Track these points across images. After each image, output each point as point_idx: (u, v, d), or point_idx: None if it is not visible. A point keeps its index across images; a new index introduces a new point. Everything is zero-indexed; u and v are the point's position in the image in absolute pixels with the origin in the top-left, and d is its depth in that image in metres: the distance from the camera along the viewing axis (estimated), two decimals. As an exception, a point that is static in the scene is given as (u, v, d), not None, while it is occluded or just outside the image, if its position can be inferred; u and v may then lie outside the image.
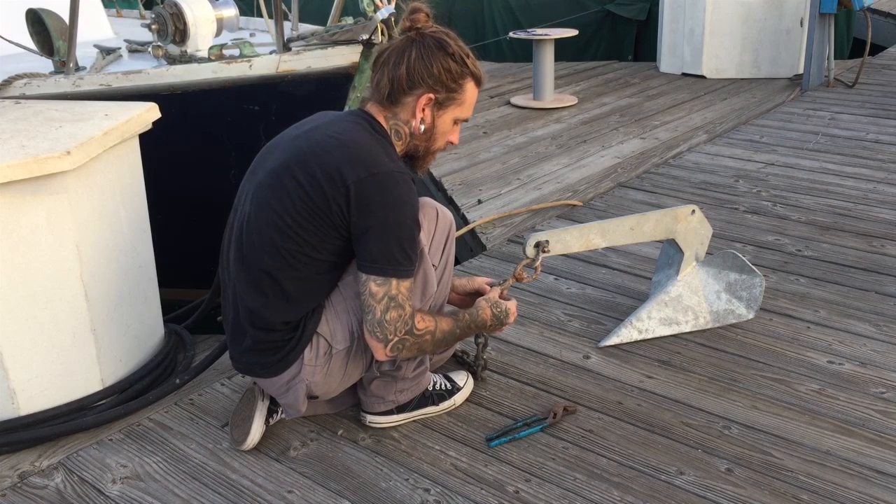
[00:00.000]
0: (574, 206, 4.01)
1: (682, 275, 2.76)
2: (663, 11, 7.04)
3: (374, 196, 1.91)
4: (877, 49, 7.43)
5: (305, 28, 4.22)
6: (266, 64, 3.36)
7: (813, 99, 5.90)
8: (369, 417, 2.27)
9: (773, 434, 2.21)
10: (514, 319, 2.29)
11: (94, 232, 2.39)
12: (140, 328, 2.63)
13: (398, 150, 2.09)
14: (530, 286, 3.10)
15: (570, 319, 2.88)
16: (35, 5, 3.81)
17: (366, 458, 2.17)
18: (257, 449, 2.20)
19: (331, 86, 3.38)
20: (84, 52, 3.90)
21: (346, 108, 3.39)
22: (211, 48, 3.49)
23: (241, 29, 4.52)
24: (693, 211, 2.70)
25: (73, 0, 3.38)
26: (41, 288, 2.29)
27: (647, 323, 2.71)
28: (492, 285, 2.38)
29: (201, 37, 3.74)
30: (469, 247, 3.84)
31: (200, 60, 3.50)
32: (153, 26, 3.74)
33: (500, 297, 2.29)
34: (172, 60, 3.60)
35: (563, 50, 7.49)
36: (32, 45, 3.84)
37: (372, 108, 2.08)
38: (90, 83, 3.46)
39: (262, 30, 4.97)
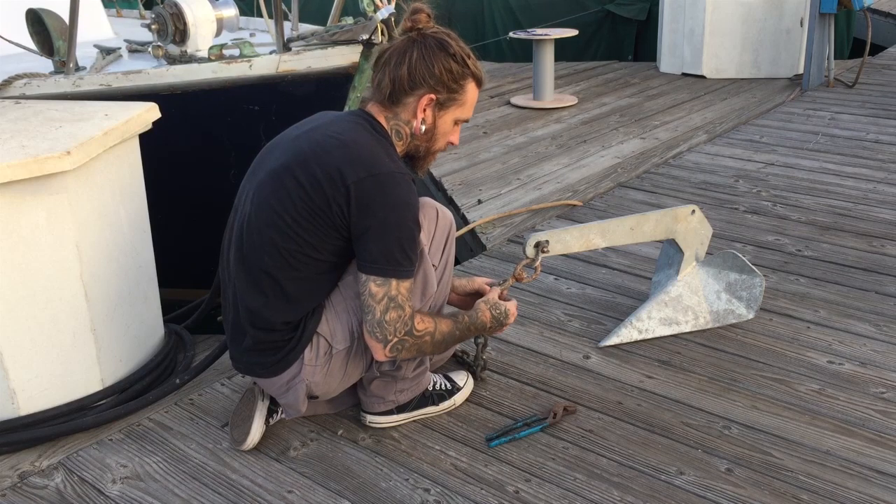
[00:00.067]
0: (574, 206, 4.01)
1: (682, 275, 2.76)
2: (663, 11, 7.04)
3: (374, 196, 1.91)
4: (877, 49, 7.43)
5: (305, 28, 4.22)
6: (266, 64, 3.36)
7: (813, 99, 5.90)
8: (369, 417, 2.27)
9: (773, 434, 2.21)
10: (513, 320, 2.29)
11: (94, 232, 2.39)
12: (140, 328, 2.63)
13: (399, 150, 2.09)
14: (530, 286, 3.10)
15: (570, 319, 2.88)
16: (35, 5, 3.81)
17: (366, 458, 2.17)
18: (257, 449, 2.20)
19: (331, 86, 3.38)
20: (84, 52, 3.90)
21: (346, 108, 3.39)
22: (211, 48, 3.49)
23: (241, 29, 4.52)
24: (693, 211, 2.70)
25: (73, 0, 3.38)
26: (41, 288, 2.29)
27: (647, 323, 2.71)
28: (492, 285, 2.38)
29: (201, 37, 3.74)
30: (469, 247, 3.84)
31: (200, 60, 3.50)
32: (153, 26, 3.74)
33: (500, 297, 2.29)
34: (172, 60, 3.60)
35: (563, 50, 7.49)
36: (32, 45, 3.84)
37: (373, 109, 2.08)
38: (90, 83, 3.46)
39: (262, 30, 4.97)
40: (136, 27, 5.15)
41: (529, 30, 6.54)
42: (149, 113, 2.63)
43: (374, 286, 1.95)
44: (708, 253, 2.81)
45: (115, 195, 2.49)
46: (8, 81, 3.47)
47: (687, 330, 2.74)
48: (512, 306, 2.27)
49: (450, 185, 4.47)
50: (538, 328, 2.82)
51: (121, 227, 2.51)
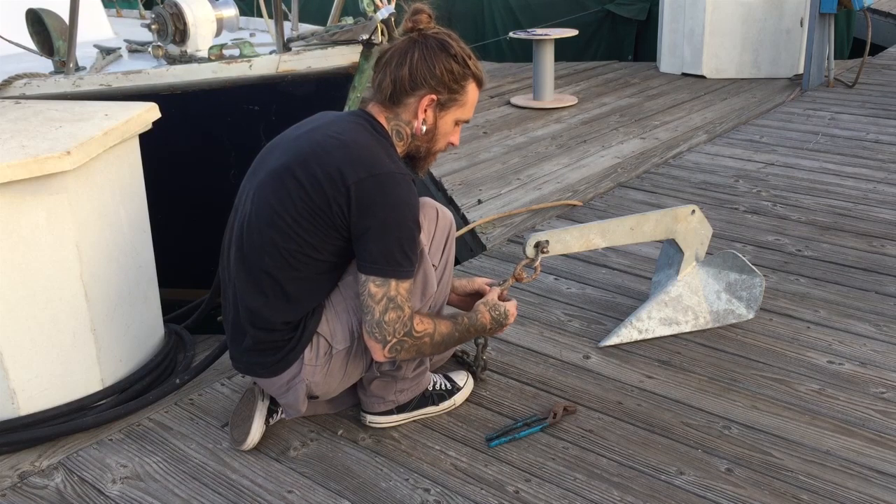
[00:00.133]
0: (574, 206, 4.01)
1: (682, 275, 2.76)
2: (663, 11, 7.04)
3: (374, 196, 1.91)
4: (877, 49, 7.43)
5: (305, 28, 4.22)
6: (266, 64, 3.36)
7: (813, 99, 5.90)
8: (369, 417, 2.27)
9: (773, 434, 2.21)
10: (513, 321, 2.28)
11: (94, 232, 2.39)
12: (140, 328, 2.63)
13: (399, 150, 2.09)
14: (530, 286, 3.10)
15: (570, 319, 2.88)
16: (35, 5, 3.81)
17: (366, 458, 2.17)
18: (257, 449, 2.20)
19: (331, 86, 3.38)
20: (84, 52, 3.90)
21: (346, 108, 3.39)
22: (211, 48, 3.49)
23: (241, 29, 4.52)
24: (693, 211, 2.70)
25: (73, 0, 3.38)
26: (41, 288, 2.29)
27: (647, 323, 2.71)
28: (492, 286, 2.37)
29: (201, 37, 3.74)
30: (469, 247, 3.84)
31: (200, 60, 3.50)
32: (153, 26, 3.74)
33: (500, 297, 2.28)
34: (172, 60, 3.60)
35: (563, 50, 7.49)
36: (32, 45, 3.84)
37: (373, 109, 2.08)
38: (90, 83, 3.46)
39: (262, 30, 4.97)
40: (136, 27, 5.14)
41: (529, 30, 6.54)
42: (149, 113, 2.63)
43: (374, 286, 1.95)
44: (708, 253, 2.81)
45: (115, 195, 2.49)
46: (8, 81, 3.47)
47: (687, 330, 2.74)
48: (511, 307, 2.27)
49: (450, 185, 4.47)
50: (538, 328, 2.82)
51: (121, 227, 2.52)
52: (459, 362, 2.56)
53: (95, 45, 4.19)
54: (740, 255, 2.80)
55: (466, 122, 2.15)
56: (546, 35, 6.13)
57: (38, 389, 2.36)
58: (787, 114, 5.55)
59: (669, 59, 7.11)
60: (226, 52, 3.45)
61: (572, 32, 6.32)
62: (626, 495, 2.00)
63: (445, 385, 2.36)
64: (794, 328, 2.76)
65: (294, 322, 2.05)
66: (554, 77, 6.34)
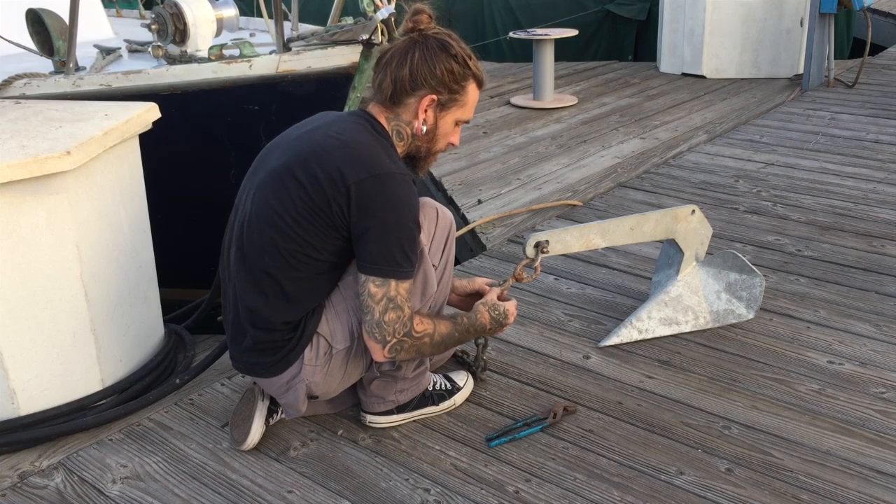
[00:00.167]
0: (574, 206, 4.01)
1: (682, 275, 2.76)
2: (663, 11, 7.04)
3: (374, 197, 1.91)
4: (877, 49, 7.43)
5: (305, 28, 4.22)
6: (266, 64, 3.36)
7: (813, 99, 5.90)
8: (369, 417, 2.27)
9: (773, 434, 2.21)
10: (513, 320, 2.28)
11: (94, 232, 2.39)
12: (140, 328, 2.63)
13: (399, 150, 2.09)
14: (530, 286, 3.10)
15: (570, 319, 2.88)
16: (35, 5, 3.81)
17: (366, 458, 2.17)
18: (257, 449, 2.21)
19: (331, 86, 3.38)
20: (84, 52, 3.90)
21: (346, 108, 3.39)
22: (211, 48, 3.49)
23: (241, 29, 4.52)
24: (693, 211, 2.70)
25: (73, 0, 3.38)
26: (41, 288, 2.29)
27: (647, 323, 2.71)
28: (492, 286, 2.38)
29: (201, 37, 3.74)
30: (469, 247, 3.84)
31: (200, 60, 3.50)
32: (153, 26, 3.74)
33: (500, 297, 2.28)
34: (172, 60, 3.60)
35: (563, 50, 7.49)
36: (32, 45, 3.84)
37: (373, 109, 2.08)
38: (90, 83, 3.46)
39: (262, 30, 4.97)
40: (136, 27, 5.15)
41: (529, 30, 6.54)
42: (149, 113, 2.63)
43: (374, 286, 1.95)
44: (708, 253, 2.81)
45: (115, 195, 2.49)
46: (8, 81, 3.47)
47: (687, 330, 2.74)
48: (511, 306, 2.27)
49: (450, 185, 4.47)
50: (538, 328, 2.82)
51: (121, 227, 2.51)
52: (459, 362, 2.56)
53: (95, 45, 4.19)
54: (740, 255, 2.80)
55: (467, 122, 2.15)
56: (546, 35, 6.13)
57: (38, 389, 2.36)
58: (787, 114, 5.55)
59: (669, 59, 7.11)
60: (226, 52, 3.45)
61: (572, 32, 6.32)
62: (626, 495, 2.00)
63: (445, 385, 2.36)
64: (794, 328, 2.76)
65: (294, 322, 2.05)
66: (554, 77, 6.34)
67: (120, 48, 4.27)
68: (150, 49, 3.86)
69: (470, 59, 2.05)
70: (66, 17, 3.54)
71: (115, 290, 2.49)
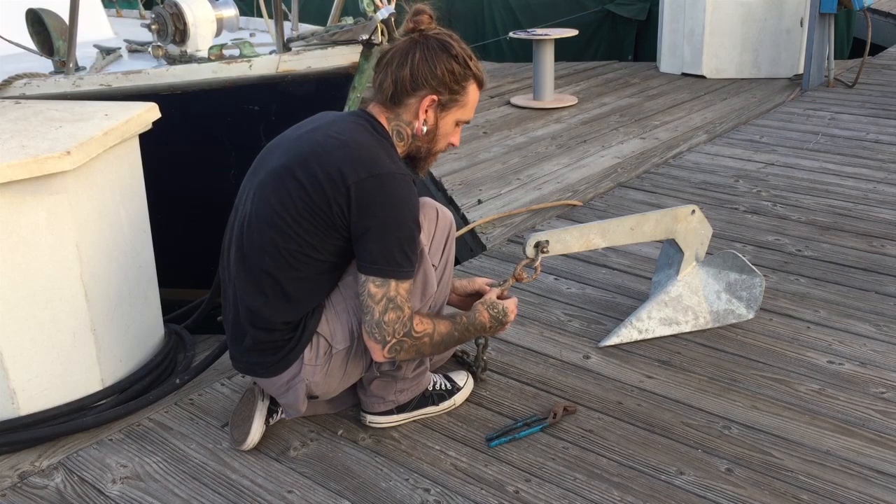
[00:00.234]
0: (574, 206, 4.01)
1: (682, 275, 2.76)
2: (663, 11, 7.04)
3: (374, 197, 1.91)
4: (877, 49, 7.43)
5: (305, 28, 4.22)
6: (266, 64, 3.36)
7: (813, 99, 5.90)
8: (369, 417, 2.27)
9: (773, 434, 2.21)
10: (514, 317, 2.28)
11: (94, 232, 2.39)
12: (140, 328, 2.63)
13: (400, 151, 2.09)
14: (530, 286, 3.10)
15: (570, 319, 2.88)
16: (35, 5, 3.81)
17: (366, 458, 2.17)
18: (257, 449, 2.21)
19: (331, 86, 3.38)
20: (84, 52, 3.90)
21: (347, 109, 3.39)
22: (211, 48, 3.49)
23: (241, 29, 4.52)
24: (693, 211, 2.70)
25: (73, 0, 3.38)
26: (41, 288, 2.29)
27: (647, 323, 2.71)
28: (492, 286, 2.38)
29: (201, 37, 3.74)
30: (469, 247, 3.84)
31: (200, 60, 3.50)
32: (153, 26, 3.74)
33: (500, 297, 2.28)
34: (172, 60, 3.60)
35: (563, 50, 7.49)
36: (32, 45, 3.84)
37: (374, 109, 2.08)
38: (90, 83, 3.46)
39: (262, 30, 4.97)
40: (136, 27, 5.15)
41: (529, 30, 6.54)
42: (149, 113, 2.63)
43: (374, 287, 1.95)
44: (708, 253, 2.81)
45: (115, 195, 2.49)
46: (8, 81, 3.47)
47: (687, 330, 2.74)
48: (511, 304, 2.26)
49: (450, 185, 4.47)
50: (538, 328, 2.82)
51: (121, 227, 2.52)
52: (459, 362, 2.56)
53: (95, 45, 4.19)
54: (740, 255, 2.80)
55: (467, 122, 2.15)
56: (546, 35, 6.13)
57: (38, 389, 2.36)
58: (787, 114, 5.55)
59: (669, 59, 7.11)
60: (226, 52, 3.45)
61: (572, 32, 6.32)
62: (626, 495, 2.00)
63: (445, 385, 2.36)
64: (794, 328, 2.76)
65: (294, 322, 2.05)
66: (554, 77, 6.34)
67: (120, 48, 4.27)
68: (150, 49, 3.86)
69: (470, 59, 2.05)
70: (66, 17, 3.54)
71: (115, 290, 2.49)
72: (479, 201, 4.19)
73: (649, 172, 4.46)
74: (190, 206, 3.55)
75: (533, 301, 3.01)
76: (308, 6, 7.53)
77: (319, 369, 2.09)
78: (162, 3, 3.74)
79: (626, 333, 2.70)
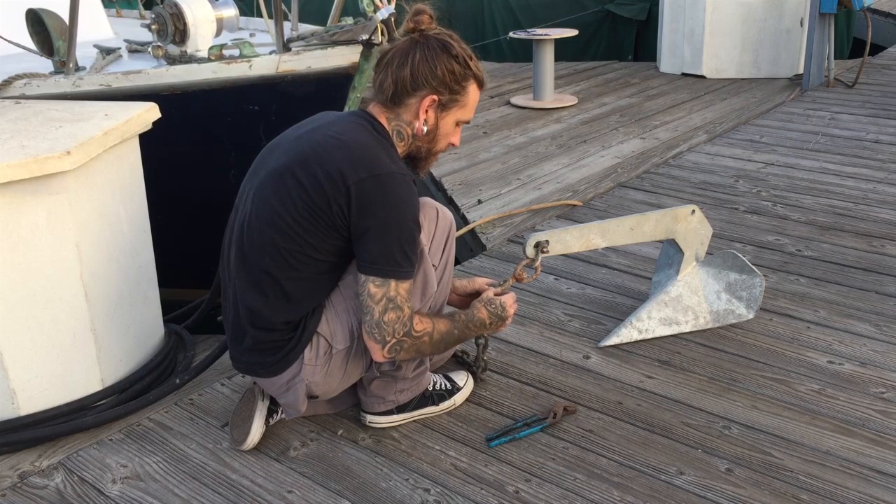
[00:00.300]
0: (574, 206, 4.01)
1: (682, 275, 2.76)
2: (663, 11, 7.04)
3: (374, 197, 1.91)
4: (877, 49, 7.43)
5: (305, 28, 4.22)
6: (266, 64, 3.36)
7: (813, 99, 5.90)
8: (369, 417, 2.27)
9: (773, 434, 2.21)
10: (513, 311, 2.27)
11: (94, 232, 2.39)
12: (140, 328, 2.63)
13: (400, 151, 2.09)
14: (530, 286, 3.10)
15: (570, 319, 2.88)
16: (35, 5, 3.81)
17: (366, 458, 2.17)
18: (257, 449, 2.21)
19: (331, 86, 3.38)
20: (84, 52, 3.90)
21: (346, 109, 3.39)
22: (211, 48, 3.49)
23: (241, 29, 4.52)
24: (693, 211, 2.70)
25: (73, 0, 3.38)
26: (41, 288, 2.29)
27: (647, 323, 2.71)
28: (492, 286, 2.38)
29: (201, 37, 3.74)
30: (469, 247, 3.84)
31: (200, 60, 3.50)
32: (153, 26, 3.74)
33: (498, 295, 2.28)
34: (172, 60, 3.60)
35: (563, 50, 7.49)
36: (32, 45, 3.84)
37: (374, 109, 2.08)
38: (90, 83, 3.46)
39: (262, 30, 4.97)
40: (136, 27, 5.14)
41: (529, 30, 6.54)
42: (149, 113, 2.63)
43: (373, 287, 1.95)
44: (708, 253, 2.81)
45: (115, 195, 2.50)
46: (8, 81, 3.47)
47: (687, 330, 2.74)
48: (508, 299, 2.26)
49: (450, 185, 4.47)
50: (538, 328, 2.82)
51: (121, 227, 2.52)
52: (459, 362, 2.56)
53: (95, 45, 4.19)
54: (740, 255, 2.80)
55: (467, 122, 2.15)
56: (546, 35, 6.13)
57: (38, 389, 2.36)
58: (787, 114, 5.55)
59: (669, 59, 7.11)
60: (226, 52, 3.45)
61: (572, 32, 6.32)
62: (626, 495, 2.00)
63: (445, 385, 2.36)
64: (794, 328, 2.76)
65: (294, 322, 2.05)
66: (554, 77, 6.34)
67: (120, 48, 4.27)
68: (150, 49, 3.86)
69: (471, 59, 2.05)
70: (66, 17, 3.54)
71: (115, 290, 2.49)
72: (479, 201, 4.19)
73: (649, 172, 4.46)
74: (190, 206, 3.55)
75: (533, 301, 3.01)
76: (308, 6, 7.52)
77: (319, 369, 2.09)
78: (162, 3, 3.74)
79: (626, 333, 2.70)
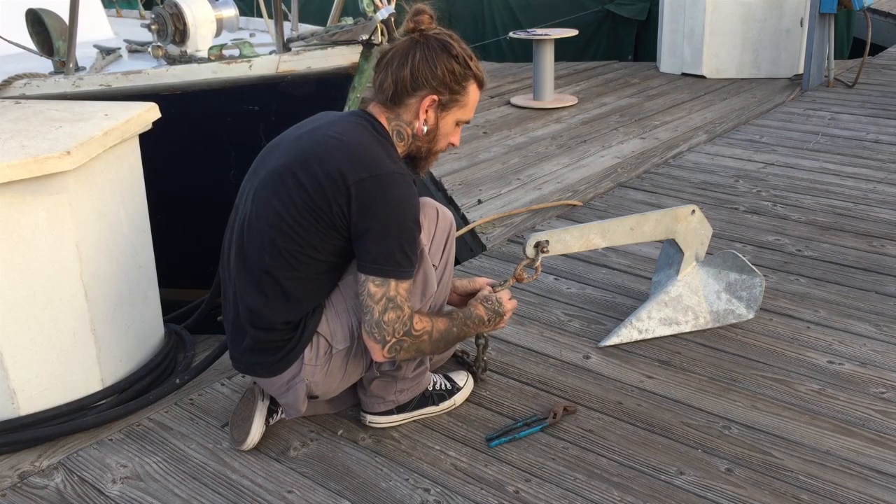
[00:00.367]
0: (574, 206, 4.01)
1: (682, 275, 2.76)
2: (663, 11, 7.04)
3: (374, 197, 1.91)
4: (877, 49, 7.43)
5: (305, 28, 4.22)
6: (266, 64, 3.36)
7: (813, 99, 5.90)
8: (369, 417, 2.27)
9: (773, 434, 2.21)
10: (511, 308, 2.27)
11: (94, 232, 2.39)
12: (140, 328, 2.63)
13: (400, 151, 2.09)
14: (530, 286, 3.10)
15: (570, 319, 2.88)
16: (35, 5, 3.81)
17: (366, 458, 2.17)
18: (257, 449, 2.21)
19: (331, 86, 3.38)
20: (84, 52, 3.90)
21: (346, 109, 3.39)
22: (211, 48, 3.49)
23: (241, 29, 4.52)
24: (693, 211, 2.70)
25: (73, 0, 3.38)
26: (41, 288, 2.29)
27: (647, 323, 2.71)
28: (493, 286, 2.38)
29: (201, 37, 3.74)
30: (469, 247, 3.84)
31: (200, 61, 3.50)
32: (153, 26, 3.73)
33: (494, 294, 2.29)
34: (172, 60, 3.59)
35: (563, 50, 7.49)
36: (32, 45, 3.84)
37: (374, 109, 2.08)
38: (90, 83, 3.45)
39: (262, 30, 4.97)
40: (136, 27, 5.14)
41: (529, 30, 6.54)
42: (149, 113, 2.63)
43: (373, 286, 1.95)
44: (708, 253, 2.81)
45: (115, 195, 2.50)
46: (8, 81, 3.47)
47: (687, 330, 2.74)
48: (504, 295, 2.26)
49: (450, 185, 4.47)
50: (538, 328, 2.82)
51: (121, 227, 2.52)
52: (459, 362, 2.56)
53: (95, 45, 4.19)
54: (740, 255, 2.80)
55: (467, 122, 2.15)
56: (546, 35, 6.13)
57: (38, 389, 2.36)
58: (787, 114, 5.55)
59: (669, 59, 7.11)
60: (226, 52, 3.45)
61: (572, 32, 6.32)
62: (626, 495, 2.00)
63: (445, 385, 2.36)
64: (794, 328, 2.76)
65: (294, 322, 2.05)
66: (554, 77, 6.34)
67: (120, 48, 4.27)
68: (150, 49, 3.86)
69: (471, 59, 2.05)
70: (66, 17, 3.54)
71: (115, 290, 2.49)
72: (479, 201, 4.19)
73: (649, 172, 4.46)
74: (190, 206, 3.55)
75: (533, 301, 3.01)
76: (308, 6, 7.52)
77: (319, 369, 2.09)
78: (162, 3, 3.74)
79: (626, 333, 2.70)
